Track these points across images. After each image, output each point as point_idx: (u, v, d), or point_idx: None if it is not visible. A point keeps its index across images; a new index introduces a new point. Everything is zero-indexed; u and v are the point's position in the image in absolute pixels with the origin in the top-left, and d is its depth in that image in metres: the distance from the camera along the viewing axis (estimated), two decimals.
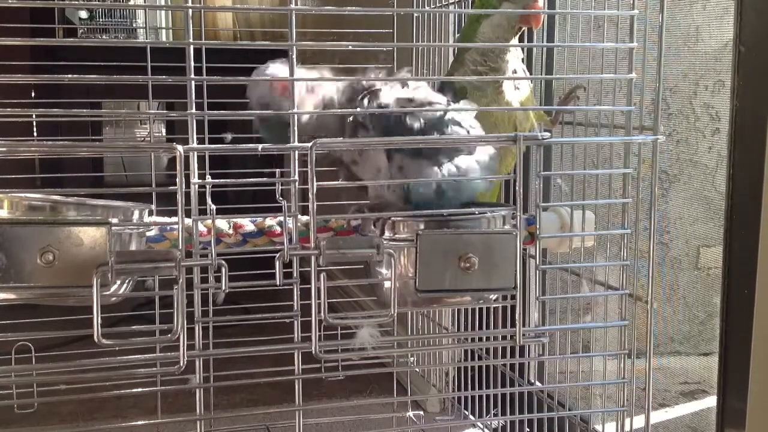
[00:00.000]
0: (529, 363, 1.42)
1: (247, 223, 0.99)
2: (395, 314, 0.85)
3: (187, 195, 0.85)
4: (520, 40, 1.21)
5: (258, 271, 1.19)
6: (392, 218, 0.94)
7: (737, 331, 1.02)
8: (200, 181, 0.85)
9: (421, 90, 1.01)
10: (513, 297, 0.91)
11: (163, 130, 3.61)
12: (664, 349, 1.65)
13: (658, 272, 1.61)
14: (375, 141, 0.98)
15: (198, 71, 1.12)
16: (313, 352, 0.87)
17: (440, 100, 1.01)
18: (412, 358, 1.58)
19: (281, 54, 0.94)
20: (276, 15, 3.15)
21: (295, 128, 0.89)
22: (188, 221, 0.86)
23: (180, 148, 0.81)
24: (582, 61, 1.14)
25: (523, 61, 1.16)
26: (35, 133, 1.46)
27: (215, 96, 1.16)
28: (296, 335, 0.89)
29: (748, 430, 0.98)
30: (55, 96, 2.40)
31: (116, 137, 3.08)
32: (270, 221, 0.99)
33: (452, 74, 1.15)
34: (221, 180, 0.97)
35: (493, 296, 0.96)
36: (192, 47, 0.85)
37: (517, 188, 0.91)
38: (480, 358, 1.47)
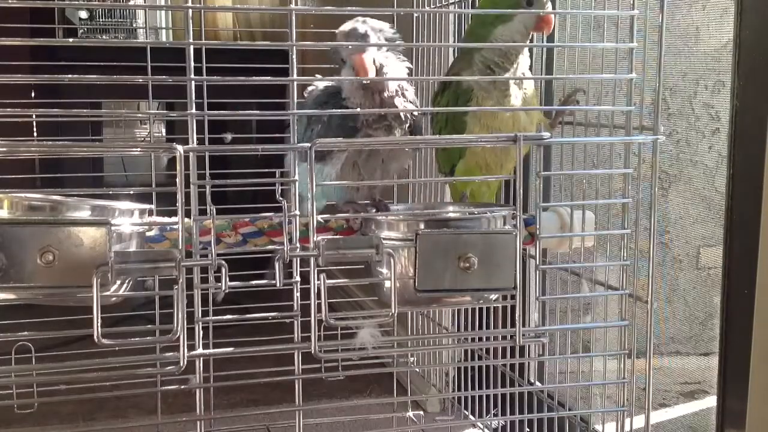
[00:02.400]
0: (529, 363, 1.42)
1: (247, 223, 0.99)
2: (395, 314, 0.85)
3: (187, 195, 0.85)
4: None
5: (258, 271, 1.19)
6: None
7: (737, 331, 1.02)
8: (200, 181, 0.85)
9: None
10: (513, 297, 0.91)
11: (163, 130, 3.61)
12: (664, 349, 1.65)
13: (659, 272, 1.61)
14: (375, 141, 0.99)
15: (198, 71, 1.12)
16: (313, 352, 0.87)
17: None
18: (412, 358, 1.58)
19: (281, 54, 0.94)
20: (276, 15, 3.14)
21: (295, 128, 0.89)
22: (188, 221, 0.86)
23: (180, 148, 0.81)
24: (582, 61, 1.14)
25: (531, 68, 1.16)
26: (35, 133, 1.46)
27: (215, 96, 1.16)
28: (296, 335, 0.89)
29: (748, 431, 0.98)
30: (55, 96, 2.40)
31: (116, 137, 3.08)
32: (270, 221, 0.99)
33: (458, 74, 1.14)
34: (221, 180, 0.97)
35: (493, 296, 0.96)
36: (192, 47, 0.85)
37: (517, 188, 0.91)
38: (480, 358, 1.47)
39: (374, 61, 0.99)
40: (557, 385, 1.27)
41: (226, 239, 0.98)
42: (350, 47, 0.99)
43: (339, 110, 0.99)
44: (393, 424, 1.44)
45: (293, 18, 0.86)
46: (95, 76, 0.90)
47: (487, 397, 1.46)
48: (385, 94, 1.00)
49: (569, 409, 1.30)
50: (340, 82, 1.02)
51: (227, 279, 0.82)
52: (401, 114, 1.01)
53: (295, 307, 0.89)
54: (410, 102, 1.03)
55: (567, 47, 1.17)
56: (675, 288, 1.65)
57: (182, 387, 0.95)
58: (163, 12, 4.05)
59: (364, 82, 0.98)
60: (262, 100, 1.12)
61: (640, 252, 1.03)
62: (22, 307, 0.91)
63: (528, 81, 1.13)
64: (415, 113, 1.04)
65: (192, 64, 0.85)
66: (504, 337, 1.01)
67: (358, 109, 1.00)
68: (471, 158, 1.14)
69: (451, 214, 1.05)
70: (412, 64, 1.11)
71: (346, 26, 1.01)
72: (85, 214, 0.85)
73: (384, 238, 0.89)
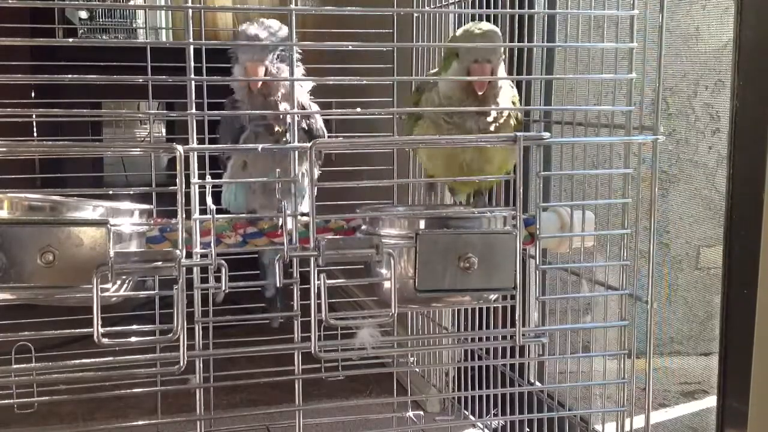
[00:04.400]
0: (529, 363, 1.42)
1: (247, 224, 0.99)
2: (395, 314, 0.85)
3: (187, 195, 0.85)
4: (513, 39, 1.21)
5: (258, 272, 1.19)
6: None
7: (737, 331, 1.02)
8: (200, 181, 0.85)
9: None
10: (513, 297, 0.91)
11: (163, 130, 3.61)
12: (664, 349, 1.65)
13: (665, 273, 1.61)
14: (375, 141, 0.99)
15: (198, 71, 1.12)
16: (313, 352, 0.87)
17: None
18: (412, 358, 1.58)
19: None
20: (276, 15, 3.14)
21: (295, 128, 0.89)
22: (188, 222, 0.86)
23: (180, 148, 0.81)
24: (582, 61, 1.14)
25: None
26: (35, 133, 1.46)
27: (215, 96, 1.17)
28: (296, 335, 0.89)
29: (749, 431, 0.98)
30: (55, 96, 2.39)
31: (116, 137, 3.08)
32: (270, 222, 0.99)
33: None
34: (221, 180, 0.97)
35: (493, 296, 0.96)
36: (192, 47, 0.85)
37: (517, 188, 0.91)
38: (480, 358, 1.47)
39: (267, 70, 1.04)
40: (557, 385, 1.27)
41: (226, 240, 0.98)
42: (248, 53, 1.03)
43: (341, 111, 1.00)
44: (393, 424, 1.44)
45: (293, 18, 0.86)
46: (95, 76, 0.90)
47: (487, 397, 1.45)
48: (271, 98, 1.05)
49: (569, 409, 1.30)
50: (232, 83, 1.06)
51: (227, 279, 0.82)
52: (283, 116, 1.04)
53: (295, 307, 0.89)
54: (301, 106, 1.07)
55: (567, 47, 1.17)
56: (675, 288, 1.65)
57: (182, 387, 0.95)
58: (163, 12, 4.04)
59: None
60: None
61: (640, 252, 1.03)
62: (22, 307, 0.91)
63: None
64: (312, 116, 1.09)
65: (192, 64, 0.85)
66: (504, 337, 1.01)
67: (359, 110, 1.00)
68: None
69: (451, 214, 1.05)
70: (411, 64, 1.11)
71: (249, 29, 1.05)
72: (85, 214, 0.84)
73: (384, 238, 0.89)
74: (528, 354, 1.32)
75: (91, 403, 1.71)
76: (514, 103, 1.09)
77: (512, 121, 1.07)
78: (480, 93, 0.98)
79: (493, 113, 1.02)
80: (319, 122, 1.11)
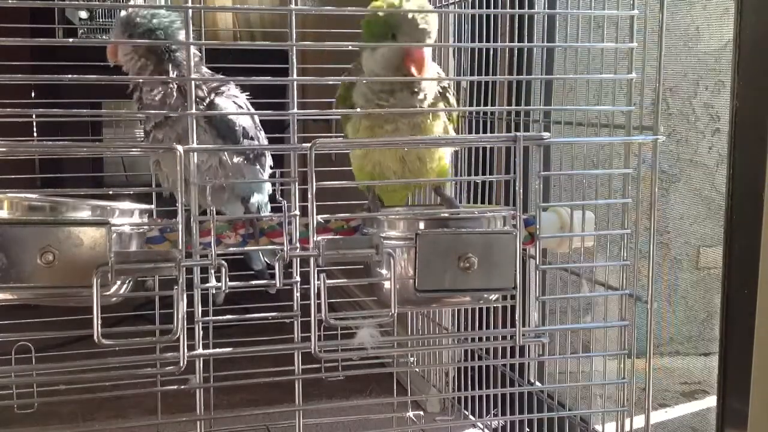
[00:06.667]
0: (529, 363, 1.42)
1: (247, 224, 0.99)
2: (395, 314, 0.85)
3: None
4: (513, 39, 1.20)
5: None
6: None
7: (737, 331, 1.02)
8: (200, 181, 0.85)
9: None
10: (513, 297, 0.91)
11: None
12: (664, 349, 1.65)
13: (664, 273, 1.61)
14: (375, 142, 0.98)
15: None
16: (313, 352, 0.87)
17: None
18: (412, 358, 1.58)
19: (281, 54, 0.94)
20: (276, 15, 3.14)
21: (295, 128, 0.89)
22: None
23: (180, 148, 0.81)
24: (582, 61, 1.14)
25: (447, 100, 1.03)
26: (35, 133, 1.46)
27: None
28: (296, 335, 0.89)
29: (749, 431, 0.98)
30: (55, 96, 2.40)
31: (116, 137, 3.08)
32: (270, 222, 0.99)
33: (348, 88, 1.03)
34: (221, 180, 0.97)
35: (493, 296, 0.96)
36: (192, 47, 0.85)
37: (517, 188, 0.91)
38: (480, 358, 1.47)
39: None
40: (557, 385, 1.27)
41: (226, 240, 0.98)
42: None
43: (339, 111, 0.99)
44: (393, 424, 1.44)
45: (293, 18, 0.86)
46: (95, 76, 0.90)
47: (487, 397, 1.46)
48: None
49: (569, 409, 1.30)
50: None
51: (227, 279, 0.82)
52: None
53: (295, 307, 0.89)
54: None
55: (567, 47, 1.17)
56: (675, 288, 1.65)
57: (182, 387, 0.95)
58: None
59: None
60: (262, 100, 1.12)
61: (640, 252, 1.03)
62: (22, 307, 0.91)
63: (434, 116, 1.01)
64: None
65: (192, 63, 0.85)
66: (504, 337, 1.01)
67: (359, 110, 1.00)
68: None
69: (451, 215, 1.05)
70: None
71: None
72: (84, 214, 0.85)
73: (384, 238, 0.89)
74: (528, 354, 1.32)
75: (91, 403, 1.71)
76: (438, 75, 1.05)
77: (442, 102, 1.03)
78: (419, 74, 0.95)
79: (424, 91, 0.99)
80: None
